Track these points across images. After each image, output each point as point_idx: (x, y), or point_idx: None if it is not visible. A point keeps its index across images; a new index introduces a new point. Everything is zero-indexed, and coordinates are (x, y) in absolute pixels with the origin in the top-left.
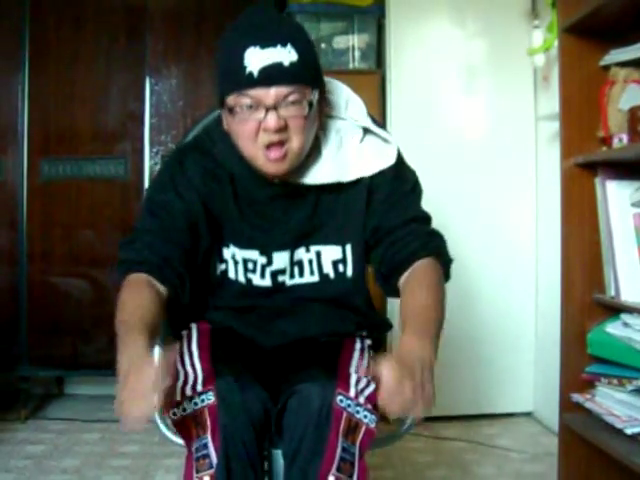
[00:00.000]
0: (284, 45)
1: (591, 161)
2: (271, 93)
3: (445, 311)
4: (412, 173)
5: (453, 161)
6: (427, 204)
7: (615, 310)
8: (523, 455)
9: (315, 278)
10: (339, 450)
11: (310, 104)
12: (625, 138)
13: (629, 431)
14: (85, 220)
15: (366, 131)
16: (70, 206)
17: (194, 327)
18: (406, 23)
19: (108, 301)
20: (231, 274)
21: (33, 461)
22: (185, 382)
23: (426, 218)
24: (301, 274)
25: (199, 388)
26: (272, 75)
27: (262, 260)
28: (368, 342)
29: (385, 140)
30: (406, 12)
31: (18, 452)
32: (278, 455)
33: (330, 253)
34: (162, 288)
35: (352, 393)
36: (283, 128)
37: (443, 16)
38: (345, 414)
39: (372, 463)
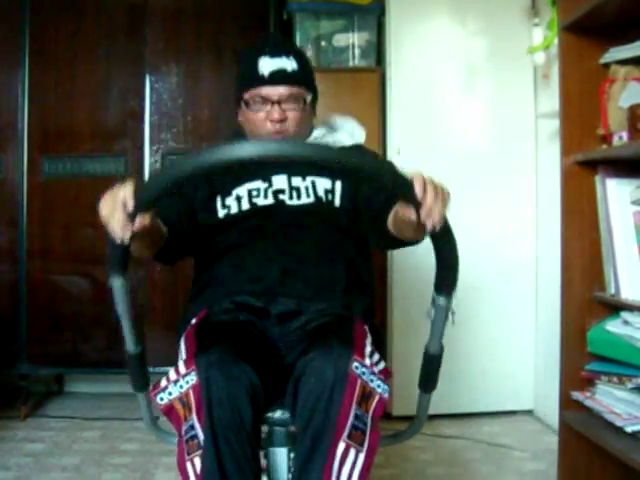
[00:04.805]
0: (287, 56)
1: (591, 159)
2: (276, 91)
3: None
4: None
5: (453, 159)
6: None
7: (615, 308)
8: (523, 453)
9: (311, 199)
10: (352, 417)
11: (304, 102)
12: (625, 136)
13: (629, 429)
14: (85, 218)
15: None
16: (70, 204)
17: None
18: (406, 21)
19: (108, 299)
20: (234, 210)
21: (33, 459)
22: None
23: None
24: (299, 197)
25: (182, 370)
26: (278, 77)
27: (264, 185)
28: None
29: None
30: (406, 10)
31: (18, 450)
32: (275, 452)
33: (323, 183)
34: (163, 226)
35: (367, 362)
36: (284, 119)
37: (443, 14)
38: (360, 381)
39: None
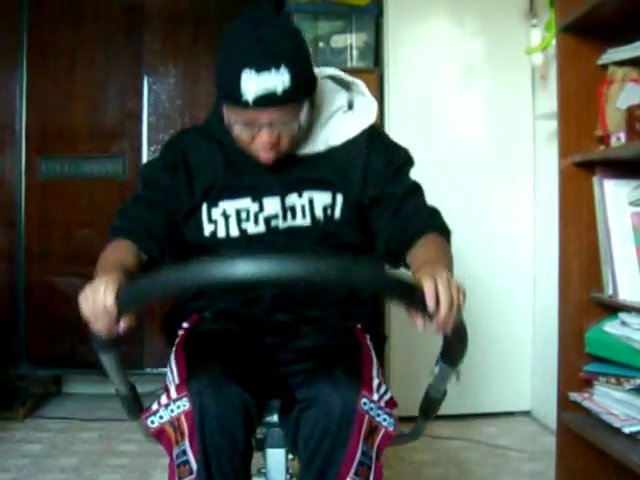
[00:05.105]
0: (277, 68)
1: (589, 160)
2: (265, 115)
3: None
4: (404, 148)
5: (451, 160)
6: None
7: (613, 309)
8: (521, 454)
9: (307, 222)
10: (359, 454)
11: (300, 123)
12: (623, 137)
13: (627, 430)
14: (83, 219)
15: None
16: (68, 205)
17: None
18: (404, 22)
19: None
20: (221, 233)
21: (31, 460)
22: (164, 389)
23: (420, 187)
24: (294, 217)
25: (173, 395)
26: (266, 101)
27: (254, 207)
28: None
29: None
30: (404, 11)
31: (16, 451)
32: (273, 453)
33: (322, 198)
34: (141, 253)
35: (375, 397)
36: (275, 143)
37: (441, 15)
38: (367, 417)
39: None
